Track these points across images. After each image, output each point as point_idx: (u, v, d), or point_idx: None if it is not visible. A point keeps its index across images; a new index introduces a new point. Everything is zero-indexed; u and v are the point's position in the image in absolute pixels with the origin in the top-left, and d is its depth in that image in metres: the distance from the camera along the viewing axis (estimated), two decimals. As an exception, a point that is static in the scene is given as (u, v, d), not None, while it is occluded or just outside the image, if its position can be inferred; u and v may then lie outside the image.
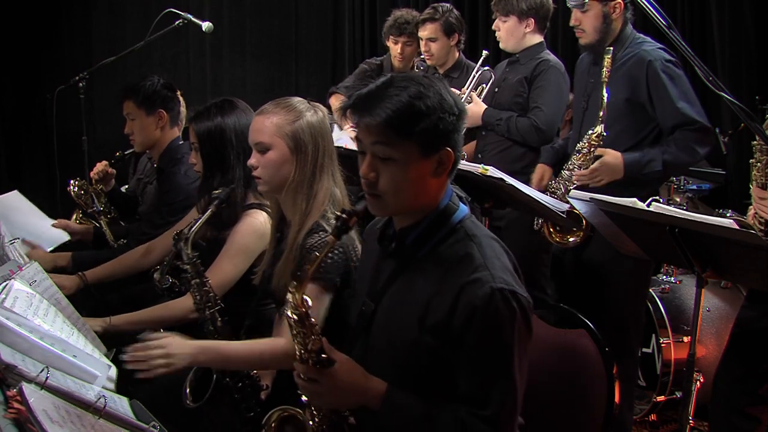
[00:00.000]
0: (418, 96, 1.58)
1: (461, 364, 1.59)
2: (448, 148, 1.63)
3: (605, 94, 2.87)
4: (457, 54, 4.04)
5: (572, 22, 3.07)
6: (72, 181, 3.64)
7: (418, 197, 1.66)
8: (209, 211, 2.25)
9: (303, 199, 2.14)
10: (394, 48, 4.28)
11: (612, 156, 2.90)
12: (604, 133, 2.90)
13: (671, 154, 2.87)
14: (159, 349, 2.01)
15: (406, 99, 1.58)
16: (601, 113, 2.89)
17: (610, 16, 2.96)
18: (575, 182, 2.97)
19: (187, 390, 2.21)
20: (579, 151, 2.98)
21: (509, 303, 1.56)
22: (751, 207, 2.43)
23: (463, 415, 1.58)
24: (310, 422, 1.79)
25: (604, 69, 2.88)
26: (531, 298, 1.65)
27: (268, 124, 2.17)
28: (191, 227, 2.24)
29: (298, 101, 2.22)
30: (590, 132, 2.93)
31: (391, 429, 1.65)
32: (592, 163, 2.93)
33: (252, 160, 2.21)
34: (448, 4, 4.02)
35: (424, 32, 3.95)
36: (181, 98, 3.57)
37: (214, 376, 2.18)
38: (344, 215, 1.60)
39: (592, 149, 2.93)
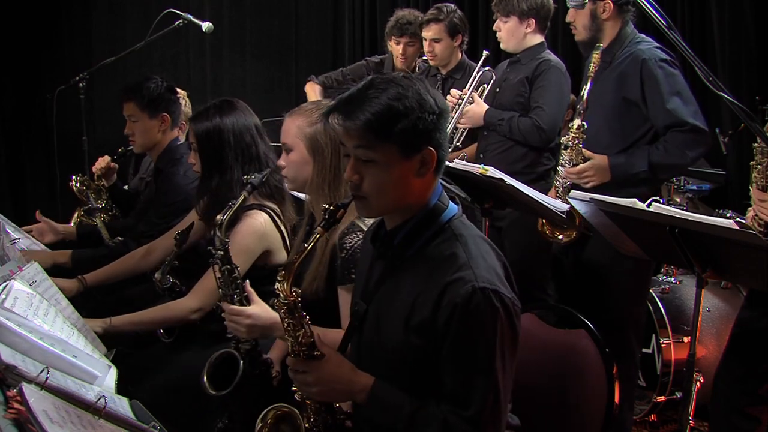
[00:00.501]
0: (396, 97, 1.59)
1: (444, 362, 1.60)
2: (431, 148, 1.64)
3: (587, 88, 2.94)
4: (459, 55, 4.03)
5: (567, 19, 3.12)
6: (74, 177, 3.64)
7: (403, 198, 1.67)
8: (242, 196, 2.24)
9: (325, 201, 2.13)
10: (396, 48, 4.28)
11: (599, 158, 2.95)
12: (585, 125, 2.95)
13: (658, 155, 2.87)
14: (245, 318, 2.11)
15: (385, 101, 1.59)
16: (579, 105, 2.97)
17: (599, 16, 2.99)
18: (567, 180, 3.02)
19: (205, 378, 2.20)
20: (566, 146, 3.02)
21: (491, 302, 1.56)
22: (750, 208, 2.43)
23: (446, 414, 1.59)
24: (306, 424, 1.79)
25: (591, 64, 2.94)
26: (531, 297, 1.66)
27: (292, 126, 2.25)
28: (224, 213, 2.21)
29: (327, 103, 2.25)
30: (570, 125, 2.98)
31: (376, 423, 1.68)
32: (580, 158, 2.97)
33: (280, 160, 2.31)
34: (452, 5, 4.01)
35: (428, 33, 3.94)
36: (187, 98, 3.57)
37: (241, 362, 2.19)
38: (331, 208, 1.66)
39: (575, 142, 2.97)
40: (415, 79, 1.68)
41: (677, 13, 4.19)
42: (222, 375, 2.21)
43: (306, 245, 1.67)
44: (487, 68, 3.73)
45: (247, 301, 2.16)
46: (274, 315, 2.09)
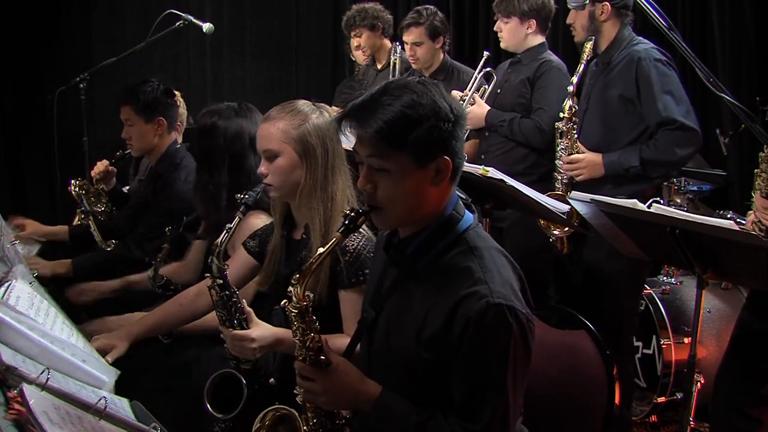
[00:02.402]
0: (410, 105, 1.54)
1: (455, 376, 1.57)
2: (446, 156, 1.59)
3: (579, 70, 3.09)
4: (442, 56, 4.04)
5: (568, 21, 3.18)
6: (73, 181, 3.63)
7: (418, 207, 1.62)
8: (236, 219, 2.13)
9: (319, 203, 2.11)
10: (353, 42, 4.50)
11: (593, 154, 3.04)
12: (576, 107, 3.07)
13: (649, 152, 2.93)
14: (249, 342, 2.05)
15: (398, 109, 1.54)
16: (571, 88, 3.10)
17: (597, 18, 3.05)
18: (563, 171, 3.11)
19: (207, 403, 2.15)
20: (562, 134, 3.10)
21: (505, 318, 1.53)
22: (750, 211, 2.43)
23: (453, 427, 1.56)
24: (304, 427, 1.78)
25: (583, 54, 3.07)
26: (532, 298, 1.65)
27: (274, 131, 2.14)
28: (221, 238, 2.12)
29: (303, 104, 2.19)
30: (563, 106, 3.11)
31: None
32: (575, 147, 3.08)
33: (262, 168, 2.18)
34: (432, 7, 4.03)
35: (409, 37, 3.95)
36: (181, 99, 3.56)
37: (245, 388, 2.13)
38: (352, 214, 1.62)
39: (569, 126, 3.08)
40: (431, 84, 1.61)
41: (677, 13, 4.19)
42: (223, 394, 2.16)
43: (322, 250, 1.61)
44: (487, 69, 3.72)
45: (246, 323, 2.09)
46: (276, 331, 2.08)
